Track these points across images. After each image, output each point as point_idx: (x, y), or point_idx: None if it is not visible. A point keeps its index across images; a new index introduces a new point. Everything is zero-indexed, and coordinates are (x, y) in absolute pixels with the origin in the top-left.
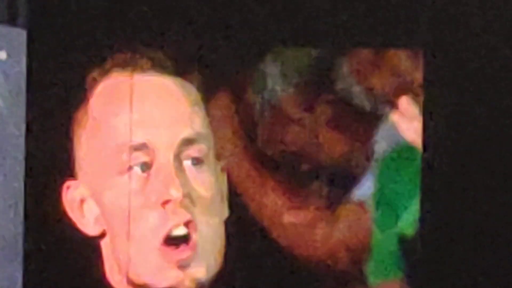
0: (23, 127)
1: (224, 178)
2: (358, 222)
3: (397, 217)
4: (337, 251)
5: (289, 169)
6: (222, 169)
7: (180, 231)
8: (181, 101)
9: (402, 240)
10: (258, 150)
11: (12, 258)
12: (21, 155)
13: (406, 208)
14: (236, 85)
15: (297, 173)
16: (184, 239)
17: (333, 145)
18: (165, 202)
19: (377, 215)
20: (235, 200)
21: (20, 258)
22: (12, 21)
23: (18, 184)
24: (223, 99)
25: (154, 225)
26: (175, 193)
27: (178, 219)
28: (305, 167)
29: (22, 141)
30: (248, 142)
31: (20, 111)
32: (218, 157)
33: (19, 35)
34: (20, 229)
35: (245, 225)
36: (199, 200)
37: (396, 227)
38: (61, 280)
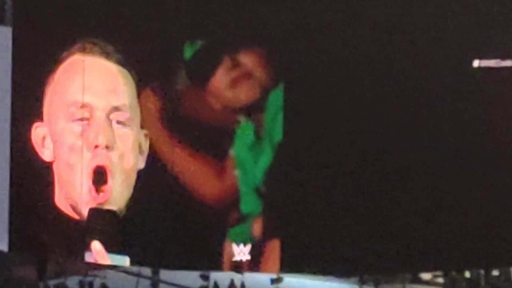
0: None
1: (146, 142)
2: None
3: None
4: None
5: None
6: (146, 136)
7: (101, 168)
8: (117, 81)
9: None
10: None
11: None
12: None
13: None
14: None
15: None
16: (103, 177)
17: None
18: (96, 146)
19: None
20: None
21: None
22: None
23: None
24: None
25: (87, 160)
26: (102, 140)
27: (101, 159)
28: None
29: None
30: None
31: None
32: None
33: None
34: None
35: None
36: (117, 148)
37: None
38: (22, 190)
